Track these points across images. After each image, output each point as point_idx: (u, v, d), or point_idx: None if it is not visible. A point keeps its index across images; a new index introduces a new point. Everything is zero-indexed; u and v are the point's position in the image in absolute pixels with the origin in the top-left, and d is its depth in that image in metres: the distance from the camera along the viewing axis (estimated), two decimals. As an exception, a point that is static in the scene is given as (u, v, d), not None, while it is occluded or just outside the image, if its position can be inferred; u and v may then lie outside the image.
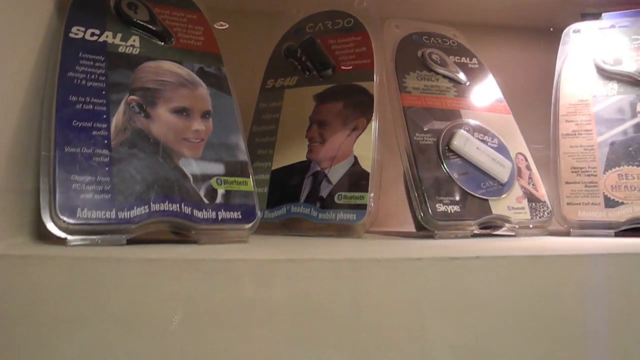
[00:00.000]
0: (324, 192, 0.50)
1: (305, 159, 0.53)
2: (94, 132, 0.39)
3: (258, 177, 0.52)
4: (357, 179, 0.50)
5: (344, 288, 0.30)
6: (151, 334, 0.29)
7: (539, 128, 0.60)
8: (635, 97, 0.55)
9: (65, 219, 0.35)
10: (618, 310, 0.33)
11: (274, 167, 0.54)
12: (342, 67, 0.55)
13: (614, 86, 0.56)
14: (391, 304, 0.30)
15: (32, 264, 0.29)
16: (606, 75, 0.57)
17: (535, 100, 0.64)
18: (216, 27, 0.50)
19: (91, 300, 0.29)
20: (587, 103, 0.56)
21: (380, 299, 0.30)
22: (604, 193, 0.52)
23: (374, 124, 0.51)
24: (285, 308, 0.29)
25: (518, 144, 0.56)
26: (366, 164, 0.50)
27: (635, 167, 0.52)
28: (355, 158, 0.51)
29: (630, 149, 0.53)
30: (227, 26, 0.64)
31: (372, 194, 0.49)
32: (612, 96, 0.56)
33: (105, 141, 0.39)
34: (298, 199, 0.51)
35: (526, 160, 0.55)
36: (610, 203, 0.51)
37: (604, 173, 0.52)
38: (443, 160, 0.51)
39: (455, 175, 0.50)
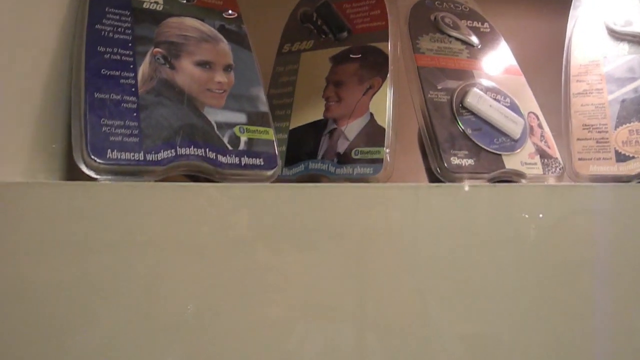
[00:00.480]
0: (341, 148, 0.52)
1: (322, 117, 0.54)
2: (122, 81, 0.40)
3: (276, 136, 0.54)
4: (374, 135, 0.51)
5: (366, 212, 0.31)
6: (185, 256, 0.30)
7: (551, 96, 0.61)
8: (646, 56, 0.56)
9: (96, 159, 0.36)
10: (627, 235, 0.34)
11: (291, 127, 0.55)
12: (357, 30, 0.56)
13: (624, 47, 0.57)
14: (410, 227, 0.32)
15: (70, 191, 0.31)
16: (617, 36, 0.58)
17: (547, 68, 0.65)
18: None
19: (126, 224, 0.30)
20: (598, 63, 0.57)
21: (400, 222, 0.32)
22: (615, 148, 0.53)
23: (389, 82, 0.52)
24: (309, 230, 0.31)
25: (530, 104, 0.57)
26: (382, 120, 0.51)
27: (646, 122, 0.53)
28: (372, 115, 0.52)
29: (640, 105, 0.54)
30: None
31: (388, 149, 0.50)
32: (623, 56, 0.57)
33: (133, 89, 0.40)
34: (316, 156, 0.53)
35: (538, 119, 0.56)
36: (621, 157, 0.52)
37: (615, 129, 0.54)
38: (457, 117, 0.52)
39: (468, 131, 0.52)
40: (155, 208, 0.31)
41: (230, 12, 0.49)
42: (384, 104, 0.52)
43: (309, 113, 0.55)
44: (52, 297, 0.29)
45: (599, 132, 0.54)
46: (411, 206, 0.31)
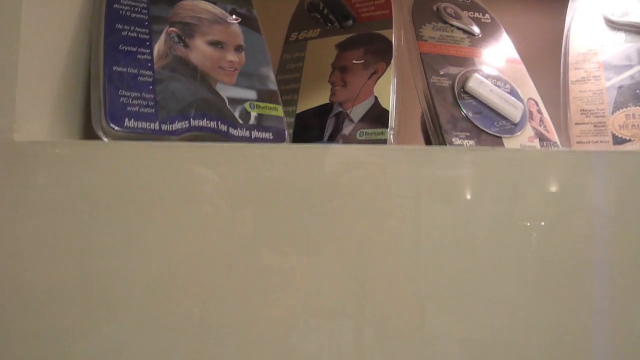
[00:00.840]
0: (346, 130, 0.53)
1: (328, 101, 0.56)
2: (139, 56, 0.42)
3: (283, 119, 0.56)
4: (378, 117, 0.53)
5: (372, 172, 0.33)
6: (200, 207, 0.32)
7: (552, 92, 0.63)
8: (642, 45, 0.57)
9: (114, 126, 0.38)
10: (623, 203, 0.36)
11: (298, 111, 0.57)
12: (362, 18, 0.58)
13: (621, 36, 0.59)
14: (416, 187, 0.33)
15: (95, 149, 0.33)
16: (614, 26, 0.60)
17: (546, 63, 0.66)
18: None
19: (143, 179, 0.32)
20: (596, 52, 0.59)
21: (406, 183, 0.33)
22: (612, 132, 0.54)
23: (393, 67, 0.54)
24: (318, 186, 0.32)
25: (529, 90, 0.59)
26: (386, 103, 0.53)
27: (641, 107, 0.54)
28: (376, 98, 0.54)
29: (637, 91, 0.55)
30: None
31: (392, 131, 0.52)
32: (620, 45, 0.58)
33: (149, 64, 0.42)
34: (322, 138, 0.54)
35: (537, 104, 0.58)
36: (618, 140, 0.54)
37: (612, 114, 0.55)
38: (458, 101, 0.54)
39: (470, 114, 0.53)
40: (172, 165, 0.32)
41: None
42: (388, 88, 0.54)
43: (315, 97, 0.57)
44: (75, 244, 0.31)
45: (597, 116, 0.56)
46: (414, 167, 0.33)
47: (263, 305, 0.32)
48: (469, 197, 0.34)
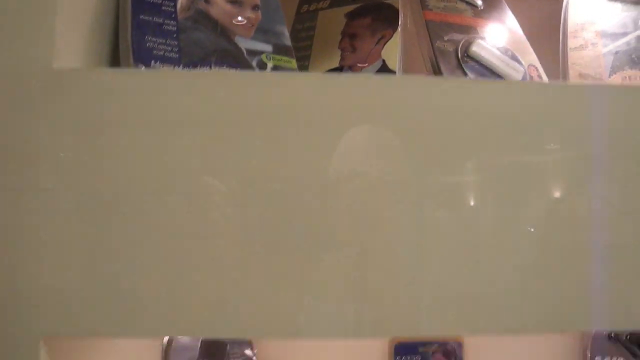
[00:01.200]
0: (356, 91, 0.56)
1: (338, 65, 0.59)
2: (163, 7, 0.45)
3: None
4: (386, 78, 0.55)
5: (382, 100, 0.36)
6: (228, 131, 0.35)
7: (551, 63, 0.66)
8: (638, 14, 0.60)
9: (141, 67, 0.41)
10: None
11: (309, 75, 0.60)
12: (370, -11, 0.61)
13: (618, 6, 0.62)
14: (422, 117, 0.36)
15: (129, 76, 0.35)
16: (611, -3, 0.63)
17: (547, 36, 0.69)
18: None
19: (173, 105, 0.35)
20: (593, 22, 0.62)
21: (414, 112, 0.36)
22: (609, 93, 0.57)
23: (400, 32, 0.57)
24: (326, 115, 0.35)
25: (530, 57, 0.61)
26: (393, 65, 0.56)
27: (637, 70, 0.57)
28: (384, 61, 0.56)
29: (632, 56, 0.58)
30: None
31: (399, 91, 0.54)
32: (617, 15, 0.61)
33: (173, 15, 0.45)
34: (332, 99, 0.57)
35: (537, 70, 0.61)
36: (615, 101, 0.56)
37: (610, 77, 0.58)
38: (462, 64, 0.57)
39: (473, 76, 0.56)
40: (201, 90, 0.35)
41: None
42: (395, 51, 0.56)
43: (326, 63, 0.59)
44: (110, 159, 0.34)
45: (594, 79, 0.58)
46: (426, 97, 0.36)
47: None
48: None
